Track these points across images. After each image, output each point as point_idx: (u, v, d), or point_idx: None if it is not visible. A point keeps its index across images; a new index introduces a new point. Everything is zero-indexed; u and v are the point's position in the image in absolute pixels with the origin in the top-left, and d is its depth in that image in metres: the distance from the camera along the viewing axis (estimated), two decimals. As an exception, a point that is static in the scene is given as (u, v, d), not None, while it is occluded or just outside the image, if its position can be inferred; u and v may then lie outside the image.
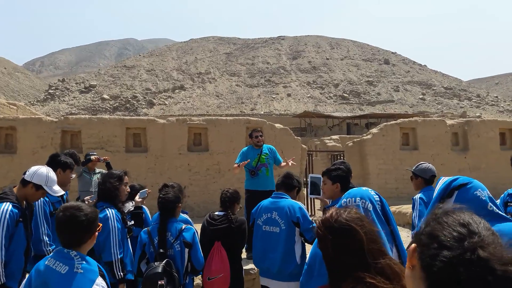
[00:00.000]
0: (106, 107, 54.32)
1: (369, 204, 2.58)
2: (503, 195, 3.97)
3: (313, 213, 10.10)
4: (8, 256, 2.82)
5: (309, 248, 3.69)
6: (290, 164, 5.80)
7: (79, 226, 2.08)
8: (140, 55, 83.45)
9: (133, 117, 11.60)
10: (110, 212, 3.37)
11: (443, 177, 2.31)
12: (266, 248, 3.61)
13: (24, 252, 2.98)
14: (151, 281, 3.04)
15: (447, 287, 0.86)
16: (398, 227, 4.25)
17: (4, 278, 2.78)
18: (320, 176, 3.41)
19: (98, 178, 6.34)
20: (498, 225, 1.84)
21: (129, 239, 3.56)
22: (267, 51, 76.99)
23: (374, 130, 12.17)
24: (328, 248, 1.54)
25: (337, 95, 61.90)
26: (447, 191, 2.16)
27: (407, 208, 8.60)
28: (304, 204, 9.79)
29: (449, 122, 12.82)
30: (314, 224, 3.16)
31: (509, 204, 3.83)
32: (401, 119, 12.87)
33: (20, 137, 9.27)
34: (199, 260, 3.39)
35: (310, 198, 9.84)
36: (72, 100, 56.61)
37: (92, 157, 6.18)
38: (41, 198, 3.27)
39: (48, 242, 3.32)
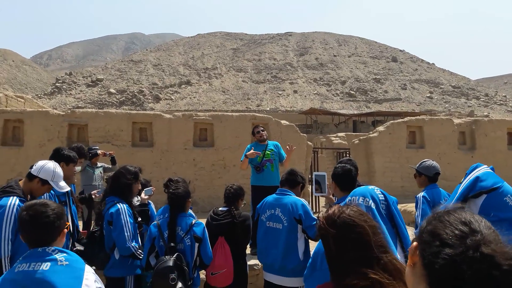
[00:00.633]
0: (113, 101, 54.52)
1: (371, 202, 2.57)
2: None
3: (317, 210, 10.09)
4: (13, 250, 2.83)
5: (312, 244, 3.70)
6: (292, 149, 5.80)
7: (49, 222, 1.93)
8: (147, 50, 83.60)
9: (139, 112, 11.63)
10: (122, 207, 3.41)
11: (479, 167, 2.25)
12: (269, 244, 3.64)
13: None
14: (162, 275, 3.07)
15: (449, 284, 0.87)
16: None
17: None
18: (325, 173, 3.40)
19: (100, 172, 6.40)
20: None
21: (139, 234, 3.59)
22: (274, 47, 76.78)
23: (381, 128, 12.12)
24: (330, 245, 1.54)
25: (343, 92, 61.66)
26: (474, 191, 2.13)
27: (412, 207, 8.57)
28: (309, 201, 9.79)
29: (456, 121, 12.73)
30: (317, 221, 3.15)
31: None
32: (408, 118, 12.80)
33: (27, 130, 9.33)
34: (208, 255, 3.44)
35: (314, 195, 9.83)
36: (79, 93, 56.88)
37: (99, 151, 6.24)
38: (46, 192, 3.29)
39: None
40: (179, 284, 3.07)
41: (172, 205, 3.46)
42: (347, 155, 12.15)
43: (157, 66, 67.57)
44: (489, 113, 50.90)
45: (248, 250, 5.01)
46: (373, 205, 2.56)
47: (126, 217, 3.38)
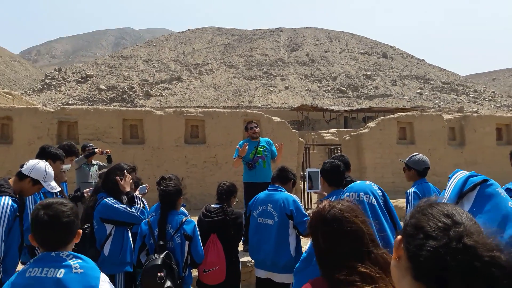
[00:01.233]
0: (103, 97, 54.06)
1: (373, 199, 2.59)
2: None
3: (309, 206, 10.13)
4: (4, 251, 2.79)
5: (304, 241, 3.72)
6: (281, 146, 5.84)
7: (69, 223, 1.83)
8: (137, 45, 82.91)
9: (130, 108, 11.56)
10: (109, 199, 3.41)
11: (461, 171, 2.32)
12: (261, 240, 3.66)
13: (19, 247, 2.96)
14: (150, 273, 3.05)
15: (433, 276, 0.89)
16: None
17: (1, 274, 2.76)
18: (318, 170, 3.42)
19: (96, 170, 6.39)
20: None
21: (130, 232, 3.57)
22: (265, 42, 76.63)
23: (371, 124, 12.19)
24: (319, 239, 1.55)
25: (335, 89, 61.81)
26: (467, 185, 2.17)
27: (403, 202, 8.65)
28: (301, 198, 9.82)
29: (446, 117, 12.85)
30: (308, 218, 3.17)
31: None
32: (398, 114, 12.90)
33: (16, 128, 9.23)
34: (199, 253, 3.42)
35: (307, 191, 9.86)
36: (69, 90, 56.28)
37: (96, 150, 6.26)
38: None
39: None
40: (168, 283, 3.05)
41: (162, 203, 3.45)
42: (339, 151, 12.21)
43: (147, 62, 67.09)
44: (478, 109, 51.45)
45: (240, 247, 5.02)
46: (374, 202, 2.59)
47: (118, 204, 3.41)
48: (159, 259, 3.12)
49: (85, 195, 4.63)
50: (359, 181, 2.85)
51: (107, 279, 1.82)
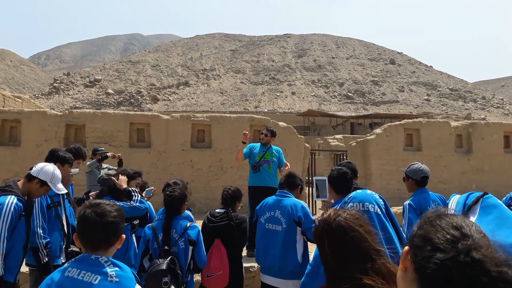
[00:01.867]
0: (111, 101, 54.42)
1: (378, 209, 2.60)
2: (505, 198, 3.92)
3: (314, 213, 10.10)
4: (7, 249, 2.85)
5: (311, 247, 3.71)
6: (288, 167, 5.81)
7: (115, 223, 1.81)
8: (145, 51, 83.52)
9: (137, 112, 11.63)
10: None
11: (455, 195, 2.32)
12: (268, 245, 3.64)
13: (23, 247, 3.00)
14: (156, 278, 3.05)
15: None
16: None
17: (2, 271, 2.81)
18: (325, 178, 3.40)
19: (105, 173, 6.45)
20: None
21: (134, 236, 3.59)
22: (272, 48, 76.81)
23: (378, 131, 12.15)
24: (325, 248, 1.55)
25: (341, 94, 61.72)
26: (469, 199, 2.18)
27: (400, 209, 8.62)
28: (306, 202, 9.80)
29: (453, 123, 12.77)
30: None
31: (511, 207, 3.78)
32: (405, 120, 12.84)
33: (25, 130, 9.32)
34: (202, 258, 3.42)
35: (313, 197, 9.84)
36: (77, 94, 56.75)
37: (109, 154, 6.32)
38: None
39: (42, 234, 3.32)
40: None
41: (167, 208, 3.46)
42: (345, 157, 12.17)
43: (155, 67, 67.50)
44: (486, 116, 51.07)
45: (244, 252, 5.02)
46: (379, 211, 2.59)
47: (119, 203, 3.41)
48: (164, 264, 3.11)
49: (91, 197, 4.65)
50: (361, 191, 2.84)
51: None
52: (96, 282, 1.66)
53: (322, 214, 1.68)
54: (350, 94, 61.30)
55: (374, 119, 42.14)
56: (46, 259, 3.30)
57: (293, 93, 60.64)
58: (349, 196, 2.84)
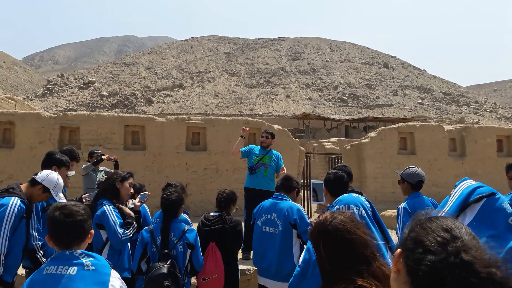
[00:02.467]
0: (105, 103, 54.23)
1: (363, 210, 2.64)
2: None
3: (310, 216, 10.12)
4: (8, 248, 2.90)
5: (305, 250, 3.72)
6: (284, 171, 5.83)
7: (82, 221, 1.95)
8: (139, 53, 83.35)
9: (132, 115, 11.60)
10: (108, 208, 3.42)
11: (469, 180, 2.33)
12: (265, 248, 3.66)
13: (23, 248, 3.03)
14: (157, 282, 3.05)
15: None
16: (392, 230, 4.25)
17: (2, 270, 2.85)
18: (322, 182, 3.41)
19: (102, 176, 6.42)
20: None
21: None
22: (267, 51, 76.99)
23: (372, 134, 12.21)
24: (321, 250, 1.56)
25: (336, 98, 61.97)
26: (473, 196, 2.19)
27: (392, 212, 8.67)
28: (302, 205, 9.82)
29: (447, 127, 12.87)
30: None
31: None
32: (399, 124, 12.92)
33: (18, 132, 9.26)
34: (199, 261, 3.43)
35: (308, 200, 9.87)
36: (71, 96, 56.48)
37: (104, 156, 6.31)
38: None
39: (37, 236, 3.35)
40: None
41: (165, 211, 3.45)
42: (339, 160, 12.21)
43: (149, 69, 67.37)
44: (479, 120, 51.48)
45: (239, 255, 5.01)
46: (364, 213, 2.62)
47: (114, 217, 3.40)
48: (164, 267, 3.11)
49: (84, 200, 4.64)
50: (347, 194, 2.88)
51: (118, 275, 1.91)
52: (74, 273, 1.79)
53: (318, 217, 1.69)
54: (344, 97, 61.57)
55: (368, 123, 42.33)
56: (44, 259, 3.30)
57: (288, 96, 60.79)
58: (337, 200, 2.87)
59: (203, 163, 10.02)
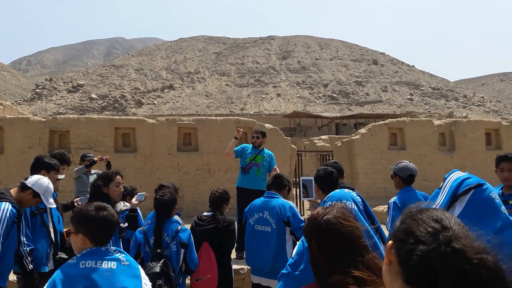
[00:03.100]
0: (94, 106, 53.81)
1: (354, 205, 2.67)
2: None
3: (302, 213, 10.16)
4: (2, 252, 2.89)
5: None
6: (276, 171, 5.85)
7: (117, 222, 2.22)
8: (128, 54, 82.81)
9: (122, 117, 11.55)
10: None
11: (457, 172, 2.36)
12: (258, 247, 3.68)
13: (15, 253, 3.02)
14: (150, 281, 3.05)
15: (423, 280, 0.91)
16: (383, 225, 4.29)
17: None
18: (312, 178, 3.45)
19: (94, 179, 6.39)
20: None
21: (120, 240, 3.57)
22: (256, 50, 76.96)
23: (363, 130, 12.29)
24: (314, 245, 1.58)
25: (326, 95, 62.16)
26: (461, 188, 2.22)
27: (382, 207, 8.75)
28: (294, 203, 9.85)
29: (436, 122, 12.99)
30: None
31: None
32: (389, 119, 13.02)
33: (7, 137, 9.17)
34: (193, 260, 3.45)
35: (300, 198, 9.89)
36: (60, 99, 55.94)
37: (95, 158, 6.28)
38: None
39: (25, 242, 3.30)
40: None
41: (158, 212, 3.46)
42: (331, 157, 12.27)
43: (139, 71, 66.98)
44: (467, 114, 52.00)
45: (233, 255, 5.03)
46: (355, 207, 2.66)
47: None
48: (157, 267, 3.13)
49: (76, 204, 4.62)
50: (339, 190, 2.91)
51: (141, 268, 2.13)
52: (115, 267, 1.98)
53: (311, 213, 1.71)
54: (334, 95, 61.78)
55: (359, 119, 42.54)
56: (31, 266, 3.27)
57: (278, 95, 60.85)
58: (328, 196, 2.90)
59: (195, 163, 10.01)
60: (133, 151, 9.83)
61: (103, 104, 54.65)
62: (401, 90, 65.27)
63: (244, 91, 62.23)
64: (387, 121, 12.69)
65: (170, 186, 3.80)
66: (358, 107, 57.66)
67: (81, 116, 10.23)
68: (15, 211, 2.97)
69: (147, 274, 3.07)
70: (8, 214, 2.90)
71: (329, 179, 3.21)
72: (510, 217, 2.09)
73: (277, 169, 5.76)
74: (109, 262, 1.98)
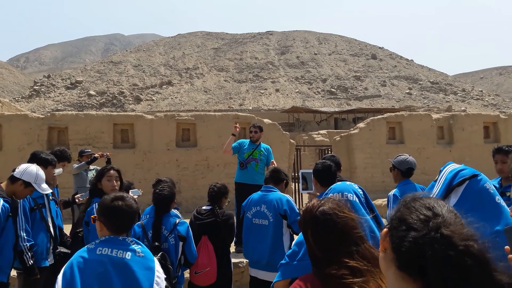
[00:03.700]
0: (93, 103, 53.74)
1: (355, 197, 2.69)
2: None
3: (301, 207, 10.19)
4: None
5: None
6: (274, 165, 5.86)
7: (135, 213, 2.22)
8: (126, 51, 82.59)
9: (120, 113, 11.53)
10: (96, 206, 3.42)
11: (452, 164, 2.39)
12: (256, 240, 3.70)
13: (13, 247, 3.01)
14: None
15: (413, 265, 0.93)
16: (384, 219, 4.30)
17: None
18: (311, 171, 3.47)
19: (93, 175, 6.41)
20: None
21: None
22: (255, 46, 76.80)
23: (361, 125, 12.31)
24: (310, 236, 1.60)
25: (325, 90, 62.13)
26: (456, 180, 2.24)
27: (383, 201, 8.81)
28: (293, 198, 9.88)
29: (434, 116, 13.02)
30: None
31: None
32: (388, 114, 13.04)
33: (6, 134, 9.17)
34: (192, 253, 3.48)
35: (299, 192, 9.93)
36: (58, 96, 55.86)
37: (96, 154, 6.30)
38: None
39: (25, 237, 3.30)
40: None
41: (157, 206, 3.49)
42: (329, 152, 12.29)
43: (137, 67, 66.84)
44: (466, 108, 52.03)
45: (232, 248, 5.05)
46: (356, 199, 2.68)
47: None
48: None
49: (77, 200, 4.64)
50: (340, 182, 2.94)
51: (158, 261, 2.17)
52: (129, 257, 2.01)
53: (306, 205, 1.73)
54: (333, 89, 61.76)
55: (357, 114, 42.54)
56: (31, 261, 3.27)
57: (277, 90, 60.80)
58: (330, 188, 2.93)
59: (194, 159, 10.03)
60: (132, 147, 9.84)
61: (102, 101, 54.59)
62: (400, 85, 65.25)
63: (243, 86, 62.17)
64: (385, 115, 12.71)
65: (168, 181, 3.82)
66: (357, 102, 57.66)
67: (80, 112, 10.23)
68: (7, 205, 2.94)
69: None
70: (0, 210, 2.87)
71: (328, 172, 3.23)
72: (504, 207, 2.11)
73: (274, 162, 5.78)
74: (124, 252, 2.02)
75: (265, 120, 10.73)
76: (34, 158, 3.71)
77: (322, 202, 1.66)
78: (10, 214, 2.98)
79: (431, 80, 67.92)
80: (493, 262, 0.89)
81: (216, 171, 9.99)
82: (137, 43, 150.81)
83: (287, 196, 3.77)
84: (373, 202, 3.09)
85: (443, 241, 0.90)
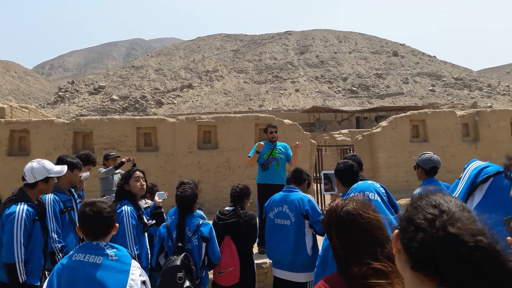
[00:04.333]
0: (116, 107, 54.76)
1: (377, 196, 2.67)
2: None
3: (323, 207, 10.12)
4: (27, 254, 2.93)
5: (320, 239, 3.76)
6: (298, 146, 5.86)
7: (106, 218, 2.20)
8: (147, 55, 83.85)
9: (143, 117, 11.73)
10: (125, 209, 3.46)
11: (476, 161, 2.35)
12: (278, 240, 3.71)
13: (43, 250, 3.08)
14: (170, 274, 3.16)
15: (426, 266, 0.93)
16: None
17: (24, 276, 2.89)
18: (333, 171, 3.45)
19: (119, 178, 6.56)
20: None
21: (146, 234, 3.65)
22: (274, 46, 76.77)
23: (384, 123, 12.14)
24: (334, 236, 1.60)
25: (345, 89, 61.57)
26: (480, 177, 2.20)
27: (406, 201, 8.66)
28: (315, 198, 9.82)
29: (459, 113, 12.73)
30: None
31: None
32: (411, 111, 12.82)
33: (33, 140, 9.44)
34: (215, 254, 3.51)
35: (321, 192, 9.87)
36: (82, 101, 57.15)
37: (123, 159, 6.45)
38: (51, 197, 3.41)
39: (57, 239, 3.37)
40: (187, 283, 3.15)
41: (180, 207, 3.55)
42: (351, 151, 12.17)
43: (158, 71, 67.77)
44: (492, 103, 50.65)
45: (255, 249, 5.07)
46: (379, 199, 2.66)
47: (128, 218, 3.40)
48: (178, 260, 3.21)
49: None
50: (362, 182, 2.91)
51: (138, 265, 2.16)
52: (100, 262, 2.04)
53: (330, 204, 1.72)
54: (354, 88, 61.13)
55: (380, 112, 41.99)
56: None
57: (297, 90, 60.60)
58: (351, 188, 2.91)
59: (215, 161, 10.09)
60: (155, 150, 9.98)
61: (124, 105, 55.56)
62: (423, 82, 64.08)
63: (262, 87, 62.22)
64: (408, 113, 12.49)
65: (190, 183, 3.89)
66: (378, 100, 56.92)
67: (103, 117, 10.43)
68: (32, 210, 2.99)
69: (169, 267, 3.16)
70: (24, 215, 2.92)
71: (350, 172, 3.21)
72: None
73: (298, 143, 5.80)
74: (97, 257, 2.05)
75: (285, 121, 10.71)
76: (61, 163, 3.80)
77: (347, 201, 1.66)
78: (37, 217, 3.03)
79: (454, 76, 66.44)
80: (504, 253, 0.88)
81: (237, 172, 10.03)
82: (157, 48, 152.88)
83: (309, 196, 3.76)
84: (397, 201, 3.04)
85: (451, 240, 0.89)
